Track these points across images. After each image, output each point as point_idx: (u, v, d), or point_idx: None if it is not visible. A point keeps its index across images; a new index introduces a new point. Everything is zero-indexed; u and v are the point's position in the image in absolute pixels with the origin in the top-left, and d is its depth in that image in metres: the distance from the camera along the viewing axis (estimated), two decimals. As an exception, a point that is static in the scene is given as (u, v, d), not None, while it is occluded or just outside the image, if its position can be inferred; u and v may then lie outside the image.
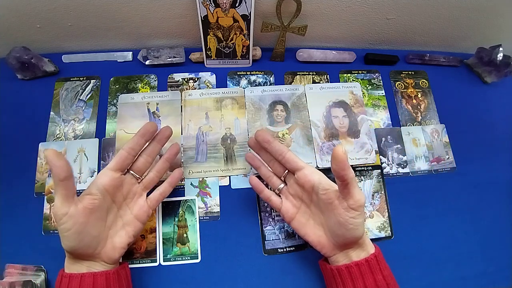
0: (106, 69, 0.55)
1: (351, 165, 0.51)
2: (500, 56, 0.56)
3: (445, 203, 0.51)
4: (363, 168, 0.51)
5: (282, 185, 0.42)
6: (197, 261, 0.45)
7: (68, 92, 0.53)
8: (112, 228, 0.38)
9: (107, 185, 0.36)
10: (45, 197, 0.47)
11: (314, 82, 0.56)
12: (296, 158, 0.39)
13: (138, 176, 0.40)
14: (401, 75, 0.59)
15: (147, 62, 0.54)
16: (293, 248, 0.47)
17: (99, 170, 0.48)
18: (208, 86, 0.55)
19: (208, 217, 0.47)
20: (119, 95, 0.53)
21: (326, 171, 0.50)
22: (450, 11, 0.54)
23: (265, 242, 0.47)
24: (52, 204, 0.46)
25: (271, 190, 0.43)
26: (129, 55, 0.56)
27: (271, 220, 0.48)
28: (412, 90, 0.58)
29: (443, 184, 0.52)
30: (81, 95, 0.53)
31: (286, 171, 0.41)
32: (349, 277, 0.35)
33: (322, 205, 0.37)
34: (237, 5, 0.47)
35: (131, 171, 0.39)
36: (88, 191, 0.35)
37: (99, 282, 0.34)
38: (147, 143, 0.40)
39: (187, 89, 0.54)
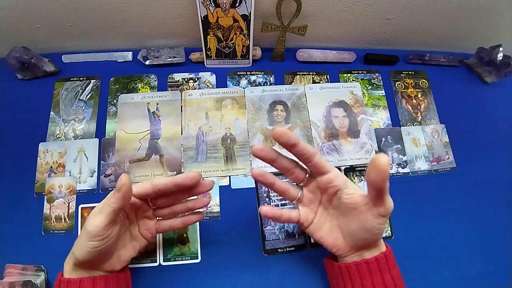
0: (106, 69, 0.55)
1: (351, 165, 0.51)
2: (500, 56, 0.56)
3: (445, 203, 0.51)
4: (363, 168, 0.51)
5: (300, 192, 0.38)
6: (197, 261, 0.45)
7: (68, 92, 0.53)
8: (120, 241, 0.37)
9: (126, 208, 0.36)
10: (45, 197, 0.47)
11: (314, 82, 0.56)
12: (324, 162, 0.35)
13: (154, 207, 0.38)
14: (401, 75, 0.59)
15: (147, 62, 0.54)
16: (293, 248, 0.47)
17: (99, 170, 0.49)
18: (208, 86, 0.55)
19: (208, 217, 0.47)
20: (119, 95, 0.53)
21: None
22: (450, 11, 0.54)
23: (265, 242, 0.47)
24: (52, 204, 0.46)
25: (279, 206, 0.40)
26: (129, 55, 0.56)
27: (271, 220, 0.48)
28: (412, 90, 0.58)
29: (443, 184, 0.52)
30: (81, 95, 0.53)
31: (307, 175, 0.37)
32: (357, 274, 0.35)
33: (344, 208, 0.36)
34: (237, 5, 0.47)
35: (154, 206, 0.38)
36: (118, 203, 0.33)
37: (98, 286, 0.34)
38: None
39: (187, 89, 0.54)
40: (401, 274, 0.37)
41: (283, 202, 0.48)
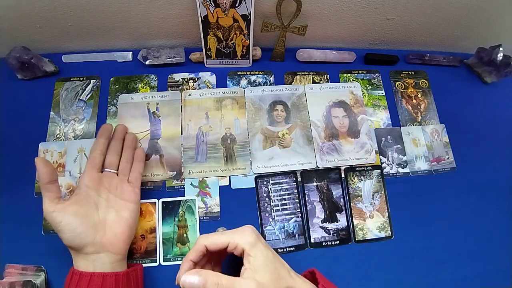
0: (106, 69, 0.55)
1: (351, 165, 0.51)
2: (500, 56, 0.56)
3: (445, 203, 0.51)
4: (363, 168, 0.51)
5: None
6: (197, 261, 0.45)
7: (68, 92, 0.53)
8: (107, 219, 0.40)
9: (88, 182, 0.40)
10: (45, 197, 0.47)
11: (314, 82, 0.56)
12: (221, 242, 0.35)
13: (113, 170, 0.43)
14: (401, 75, 0.59)
15: (147, 62, 0.54)
16: (293, 248, 0.47)
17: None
18: (208, 86, 0.55)
19: (208, 217, 0.47)
20: (119, 95, 0.53)
21: (326, 171, 0.50)
22: (450, 11, 0.54)
23: (265, 242, 0.46)
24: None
25: None
26: (129, 55, 0.56)
27: (271, 220, 0.48)
28: (412, 90, 0.58)
29: (443, 184, 0.52)
30: (81, 95, 0.53)
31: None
32: None
33: None
34: (237, 5, 0.47)
35: (106, 169, 0.43)
36: (74, 192, 0.40)
37: (108, 282, 0.35)
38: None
39: (187, 89, 0.54)
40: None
41: (283, 202, 0.48)
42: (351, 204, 0.49)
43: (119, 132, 0.46)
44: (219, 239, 0.35)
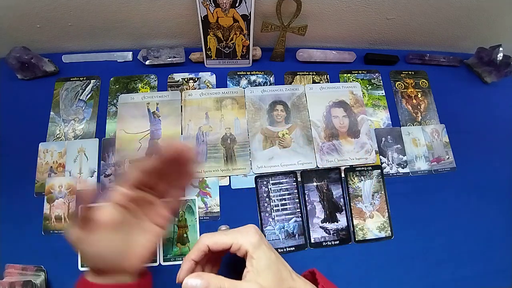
0: (106, 69, 0.55)
1: (351, 165, 0.51)
2: (500, 56, 0.56)
3: (445, 203, 0.51)
4: (363, 168, 0.51)
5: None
6: (197, 261, 0.45)
7: (68, 92, 0.53)
8: (134, 245, 0.35)
9: (125, 202, 0.34)
10: (45, 197, 0.47)
11: (314, 82, 0.56)
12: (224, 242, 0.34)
13: (155, 194, 0.37)
14: (401, 75, 0.59)
15: (147, 62, 0.54)
16: (293, 248, 0.47)
17: (99, 170, 0.49)
18: (208, 86, 0.55)
19: (208, 217, 0.47)
20: (119, 95, 0.53)
21: (326, 171, 0.50)
22: (450, 11, 0.54)
23: (265, 242, 0.46)
24: (52, 204, 0.46)
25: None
26: (129, 55, 0.56)
27: (271, 220, 0.48)
28: (412, 90, 0.58)
29: (443, 184, 0.52)
30: (81, 95, 0.53)
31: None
32: None
33: None
34: (237, 5, 0.47)
35: (147, 190, 0.36)
36: (104, 210, 0.33)
37: None
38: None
39: (187, 89, 0.54)
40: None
41: (283, 202, 0.48)
42: (351, 204, 0.49)
43: (181, 157, 0.34)
44: (222, 239, 0.34)
